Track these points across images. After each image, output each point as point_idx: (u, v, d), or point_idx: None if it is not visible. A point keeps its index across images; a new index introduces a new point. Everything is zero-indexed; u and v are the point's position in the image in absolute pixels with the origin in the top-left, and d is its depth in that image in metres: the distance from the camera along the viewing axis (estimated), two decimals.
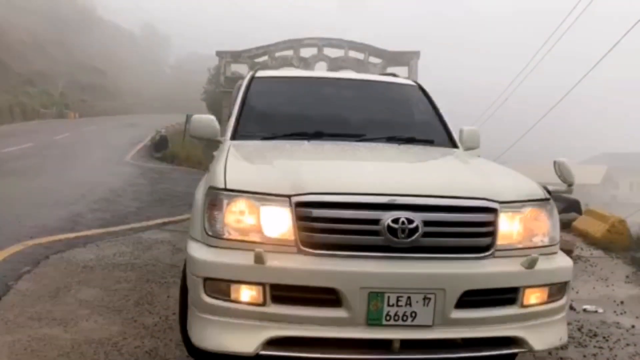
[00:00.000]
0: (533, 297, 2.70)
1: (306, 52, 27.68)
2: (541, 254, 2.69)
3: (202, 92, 35.93)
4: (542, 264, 2.65)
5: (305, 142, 3.61)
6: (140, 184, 12.03)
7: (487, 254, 2.63)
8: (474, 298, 2.57)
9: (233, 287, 2.53)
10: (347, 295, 2.46)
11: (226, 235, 2.59)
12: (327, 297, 2.48)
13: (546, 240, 2.81)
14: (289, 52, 27.54)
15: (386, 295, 2.48)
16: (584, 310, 4.77)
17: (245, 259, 2.46)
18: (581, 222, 8.41)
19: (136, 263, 5.43)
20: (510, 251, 2.70)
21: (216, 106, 25.34)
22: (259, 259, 2.43)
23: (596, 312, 4.74)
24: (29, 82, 40.38)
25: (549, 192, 2.91)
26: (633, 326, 4.40)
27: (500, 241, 2.67)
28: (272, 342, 2.50)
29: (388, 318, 2.49)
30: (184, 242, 2.97)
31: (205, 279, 2.56)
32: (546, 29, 19.97)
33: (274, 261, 2.47)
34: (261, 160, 3.11)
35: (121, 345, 3.46)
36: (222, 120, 4.42)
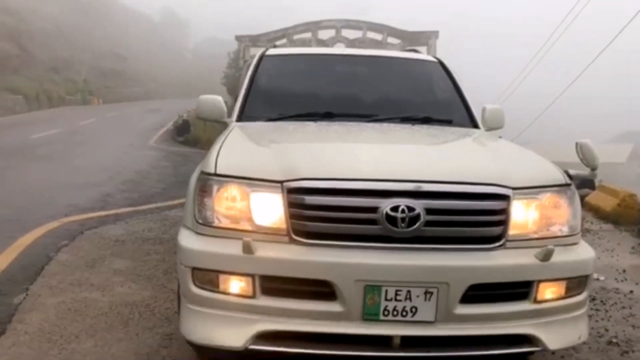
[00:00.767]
0: (548, 291, 2.48)
1: (324, 35, 27.75)
2: (559, 245, 2.48)
3: (222, 76, 36.30)
4: (560, 256, 2.43)
5: (312, 123, 3.40)
6: (164, 166, 12.43)
7: (497, 244, 2.41)
8: (481, 292, 2.37)
9: (222, 277, 2.39)
10: (341, 288, 2.29)
11: (216, 223, 2.45)
12: (320, 289, 2.32)
13: (565, 230, 2.56)
14: (307, 35, 27.67)
15: (384, 289, 2.31)
16: None
17: (234, 248, 2.32)
18: (593, 198, 8.57)
19: (164, 237, 5.80)
20: (524, 242, 2.47)
21: (236, 90, 25.61)
22: (247, 249, 2.29)
23: (598, 279, 4.96)
24: (53, 70, 41.15)
25: (569, 177, 2.65)
26: (631, 291, 4.63)
27: (512, 231, 2.44)
28: (262, 336, 2.36)
29: (386, 313, 2.32)
30: None
31: (194, 269, 2.43)
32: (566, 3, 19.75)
33: (263, 251, 2.32)
34: (258, 143, 2.93)
35: (153, 307, 3.83)
36: None
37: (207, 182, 2.48)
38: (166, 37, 79.96)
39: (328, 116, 3.51)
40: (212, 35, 76.45)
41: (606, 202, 7.97)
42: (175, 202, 8.08)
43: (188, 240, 2.49)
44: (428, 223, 2.33)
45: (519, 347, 2.48)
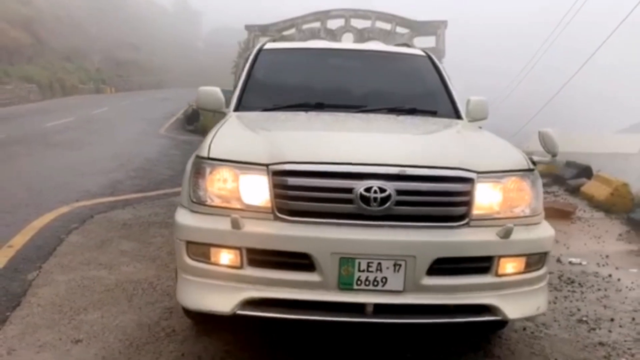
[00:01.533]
0: (509, 266, 2.69)
1: (333, 24, 27.80)
2: (521, 225, 2.69)
3: (233, 65, 36.50)
4: (520, 234, 2.65)
5: (303, 113, 3.65)
6: (173, 154, 12.75)
7: (461, 223, 2.63)
8: (446, 266, 2.59)
9: (213, 250, 2.63)
10: (319, 260, 2.52)
11: (208, 202, 2.68)
12: (300, 261, 2.54)
13: (527, 211, 2.78)
14: (316, 24, 27.71)
15: (357, 261, 2.53)
16: (570, 262, 5.23)
17: (224, 224, 2.55)
18: (588, 187, 8.75)
19: (169, 222, 6.09)
20: (487, 221, 2.68)
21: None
22: (235, 225, 2.52)
23: (580, 264, 5.19)
24: (66, 59, 41.66)
25: (533, 162, 2.87)
26: (610, 275, 4.86)
27: (476, 211, 2.66)
28: (249, 303, 2.59)
29: (359, 283, 2.54)
30: None
31: (188, 243, 2.68)
32: None
33: (250, 227, 2.55)
34: (250, 130, 3.19)
35: (156, 284, 4.13)
36: None
37: (201, 165, 2.71)
38: (178, 27, 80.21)
39: (319, 107, 3.72)
40: (224, 25, 76.49)
41: (600, 191, 8.16)
42: None
43: (183, 217, 2.73)
44: (398, 203, 2.55)
45: (481, 316, 2.69)
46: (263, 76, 4.22)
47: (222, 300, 2.62)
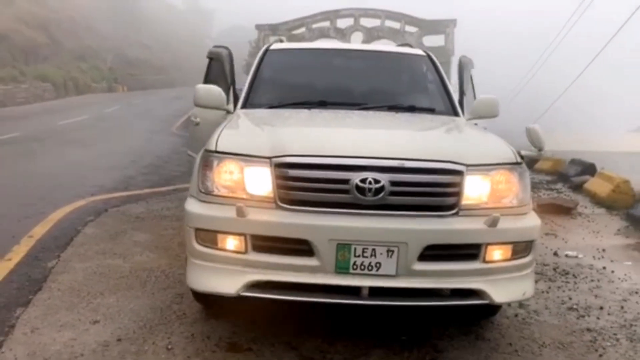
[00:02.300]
0: (496, 253, 2.85)
1: (343, 23, 27.99)
2: (509, 215, 2.86)
3: (244, 64, 36.82)
4: (507, 223, 2.81)
5: (306, 110, 3.83)
6: (184, 152, 12.95)
7: (451, 212, 2.79)
8: (436, 252, 2.75)
9: (219, 236, 2.82)
10: (317, 246, 2.70)
11: (215, 192, 2.87)
12: (300, 247, 2.73)
13: (515, 202, 2.93)
14: (326, 24, 27.95)
15: (352, 247, 2.71)
16: (566, 255, 5.39)
17: (230, 212, 2.75)
18: (591, 184, 8.88)
19: (180, 215, 6.27)
20: (476, 210, 2.84)
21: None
22: (240, 213, 2.71)
23: (576, 257, 5.35)
24: (79, 58, 42.08)
25: (521, 156, 3.04)
26: (604, 267, 5.02)
27: (466, 201, 2.82)
28: (252, 285, 2.79)
29: (355, 267, 2.72)
30: None
31: (197, 230, 2.87)
32: None
33: (254, 215, 2.74)
34: (255, 126, 3.39)
35: (168, 272, 4.36)
36: None
37: (209, 158, 2.91)
38: (190, 26, 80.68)
39: (321, 104, 3.92)
40: (236, 24, 76.94)
41: (602, 188, 8.29)
42: None
43: (193, 206, 2.93)
44: (392, 193, 2.73)
45: (469, 300, 2.89)
46: (269, 75, 4.42)
47: (228, 283, 2.81)
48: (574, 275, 4.76)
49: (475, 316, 3.60)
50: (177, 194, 7.72)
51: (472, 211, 2.85)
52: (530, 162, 11.83)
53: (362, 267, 2.73)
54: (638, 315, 3.90)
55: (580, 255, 5.38)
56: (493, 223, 2.75)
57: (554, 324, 3.69)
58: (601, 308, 4.00)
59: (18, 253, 4.62)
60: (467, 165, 2.83)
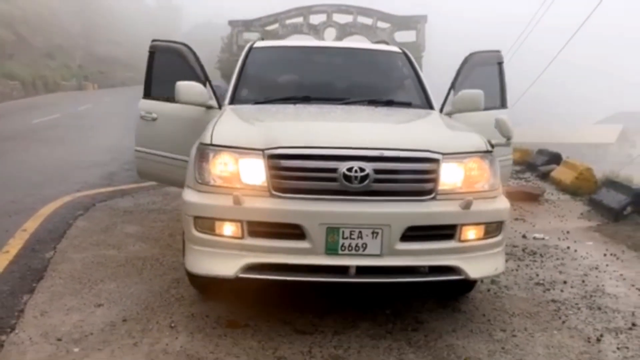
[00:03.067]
0: (470, 233, 3.11)
1: (316, 19, 28.23)
2: (482, 198, 3.13)
3: (216, 60, 36.77)
4: (480, 206, 3.07)
5: (292, 105, 4.04)
6: None
7: (429, 197, 3.04)
8: (417, 233, 3.01)
9: (217, 223, 3.02)
10: (309, 230, 2.92)
11: (212, 183, 3.06)
12: (293, 231, 2.94)
13: (486, 187, 3.21)
14: (299, 20, 28.13)
15: (341, 230, 2.93)
16: (534, 237, 5.79)
17: (226, 201, 2.95)
18: (557, 172, 9.37)
19: (166, 209, 6.56)
20: (452, 195, 3.10)
21: (230, 74, 26.23)
22: (237, 201, 2.91)
23: (543, 239, 5.76)
24: (48, 56, 41.36)
25: (491, 145, 3.32)
26: (568, 247, 5.43)
27: (442, 187, 3.07)
28: (249, 268, 3.00)
29: (343, 248, 2.95)
30: None
31: (195, 217, 3.07)
32: None
33: (249, 203, 2.94)
34: (246, 120, 3.57)
35: (162, 260, 4.59)
36: None
37: (205, 151, 3.10)
38: (161, 22, 79.69)
39: (306, 100, 4.15)
40: (208, 20, 76.37)
41: (567, 176, 8.78)
42: None
43: (191, 196, 3.14)
44: (376, 180, 2.97)
45: (447, 275, 3.18)
46: (254, 72, 4.64)
47: (226, 266, 3.03)
48: (540, 255, 5.15)
49: (453, 293, 3.92)
50: (161, 189, 7.84)
51: (448, 195, 3.10)
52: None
53: (350, 248, 2.96)
54: (597, 287, 4.29)
55: (546, 237, 5.78)
56: (467, 206, 3.01)
57: (522, 297, 4.05)
58: (565, 282, 4.39)
59: (14, 246, 4.78)
60: (443, 154, 3.08)
